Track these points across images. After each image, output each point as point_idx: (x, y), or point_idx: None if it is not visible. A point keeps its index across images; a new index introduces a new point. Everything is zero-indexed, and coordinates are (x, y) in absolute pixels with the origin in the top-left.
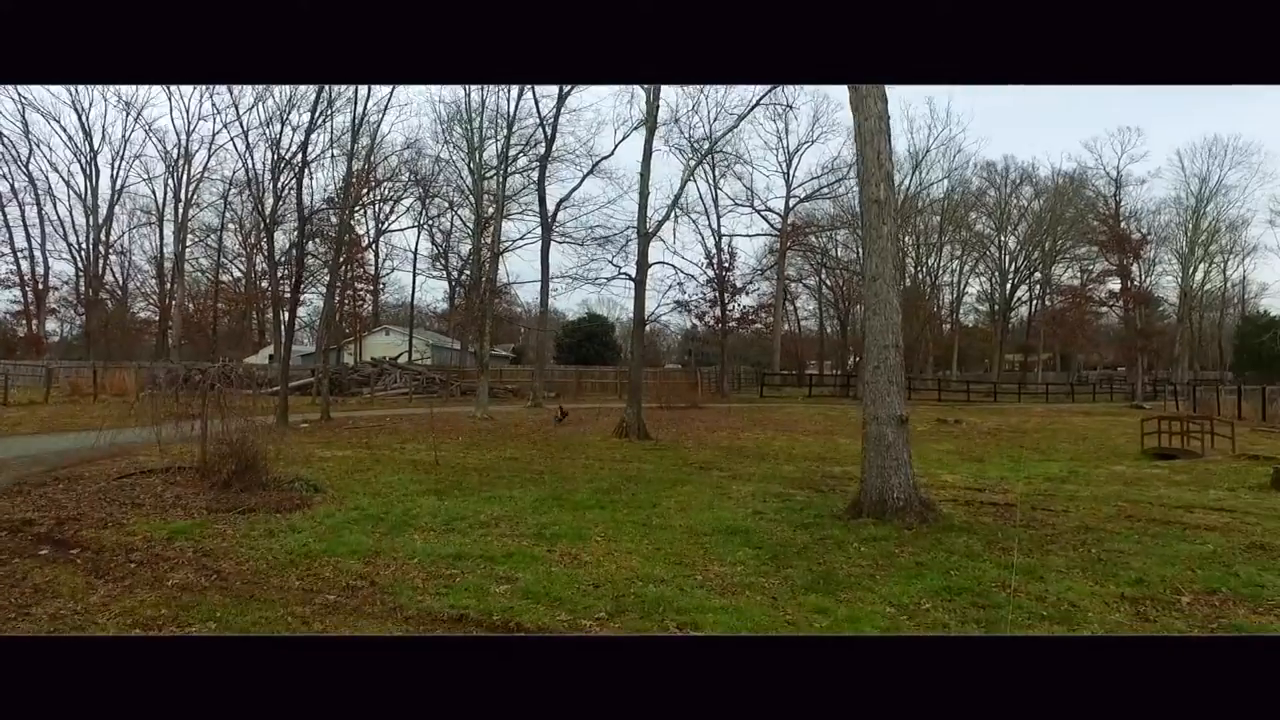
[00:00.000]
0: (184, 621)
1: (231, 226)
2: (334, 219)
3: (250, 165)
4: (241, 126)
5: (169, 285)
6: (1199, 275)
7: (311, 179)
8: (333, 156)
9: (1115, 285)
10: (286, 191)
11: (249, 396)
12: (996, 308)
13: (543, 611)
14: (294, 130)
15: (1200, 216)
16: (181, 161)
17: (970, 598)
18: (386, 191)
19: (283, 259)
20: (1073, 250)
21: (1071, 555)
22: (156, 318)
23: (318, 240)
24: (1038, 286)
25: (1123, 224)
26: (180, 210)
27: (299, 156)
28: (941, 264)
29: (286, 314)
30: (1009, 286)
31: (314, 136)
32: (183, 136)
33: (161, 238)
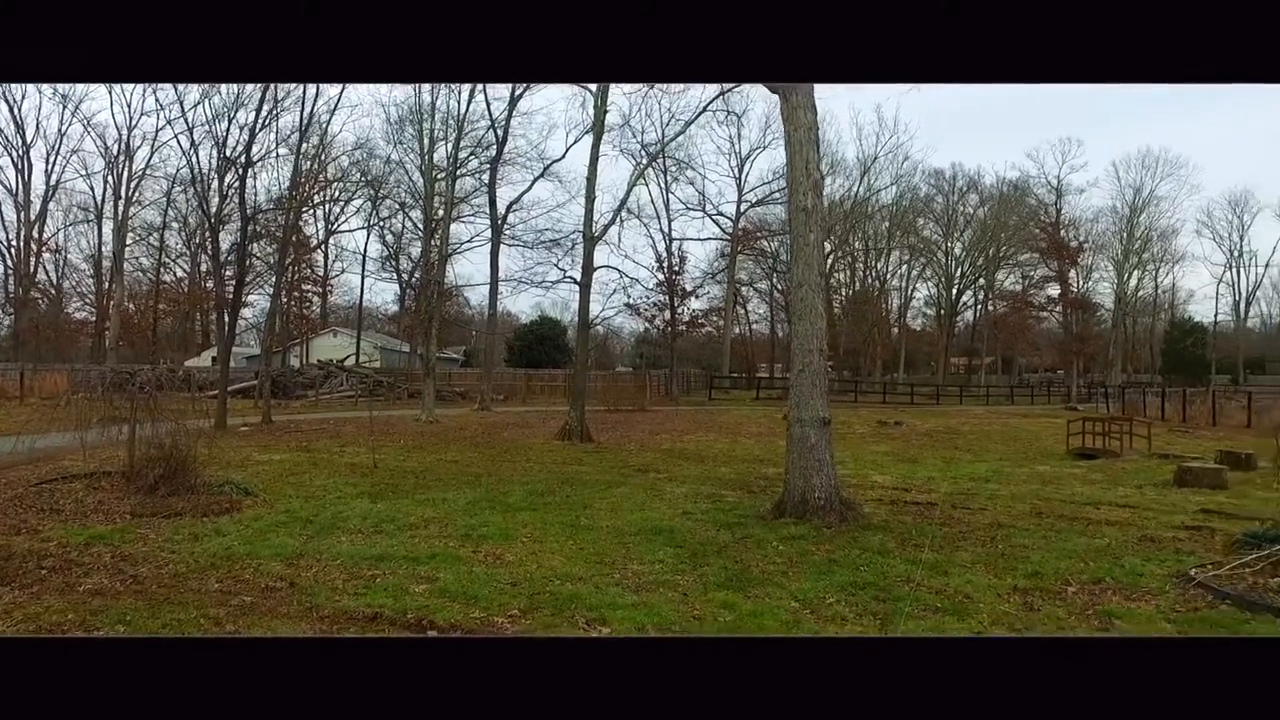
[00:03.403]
0: (91, 626)
1: (175, 225)
2: (281, 219)
3: (195, 163)
4: (186, 123)
5: (108, 285)
6: (1133, 282)
7: (255, 178)
8: (278, 156)
9: (1055, 291)
10: (232, 190)
11: (186, 399)
12: (943, 312)
13: (457, 609)
14: (241, 129)
15: (1134, 225)
16: (122, 158)
17: (873, 592)
18: (336, 192)
19: (228, 259)
20: (1015, 256)
21: (978, 551)
22: (93, 318)
23: (264, 241)
24: (982, 291)
25: (1062, 232)
26: (121, 208)
27: (244, 155)
28: (890, 268)
29: (227, 315)
30: (955, 291)
31: (261, 135)
32: (124, 132)
33: (100, 236)
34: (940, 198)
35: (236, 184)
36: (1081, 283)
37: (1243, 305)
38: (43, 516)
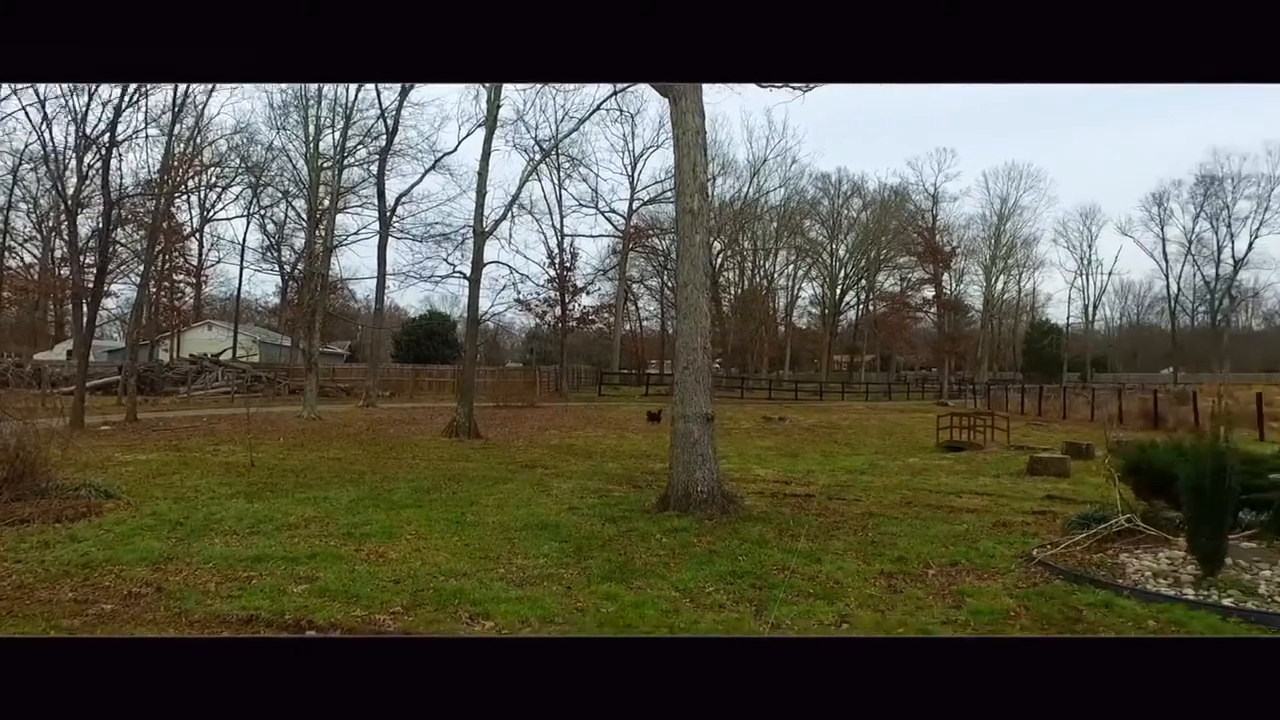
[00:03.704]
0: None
1: (24, 206)
2: (150, 204)
3: (48, 139)
4: (37, 95)
5: None
6: (999, 285)
7: (121, 160)
8: (148, 137)
9: (930, 292)
10: (93, 172)
11: (36, 396)
12: (826, 311)
13: (338, 608)
14: (104, 105)
15: (1000, 233)
16: None
17: (751, 580)
18: (213, 178)
19: (87, 245)
20: (895, 259)
21: (850, 539)
22: None
23: (129, 227)
24: (864, 292)
25: (937, 237)
26: None
27: (107, 135)
28: (777, 268)
29: (87, 306)
30: (838, 291)
31: (128, 114)
32: None
33: None
34: (826, 201)
35: (98, 165)
36: (954, 285)
37: (1090, 309)
38: None
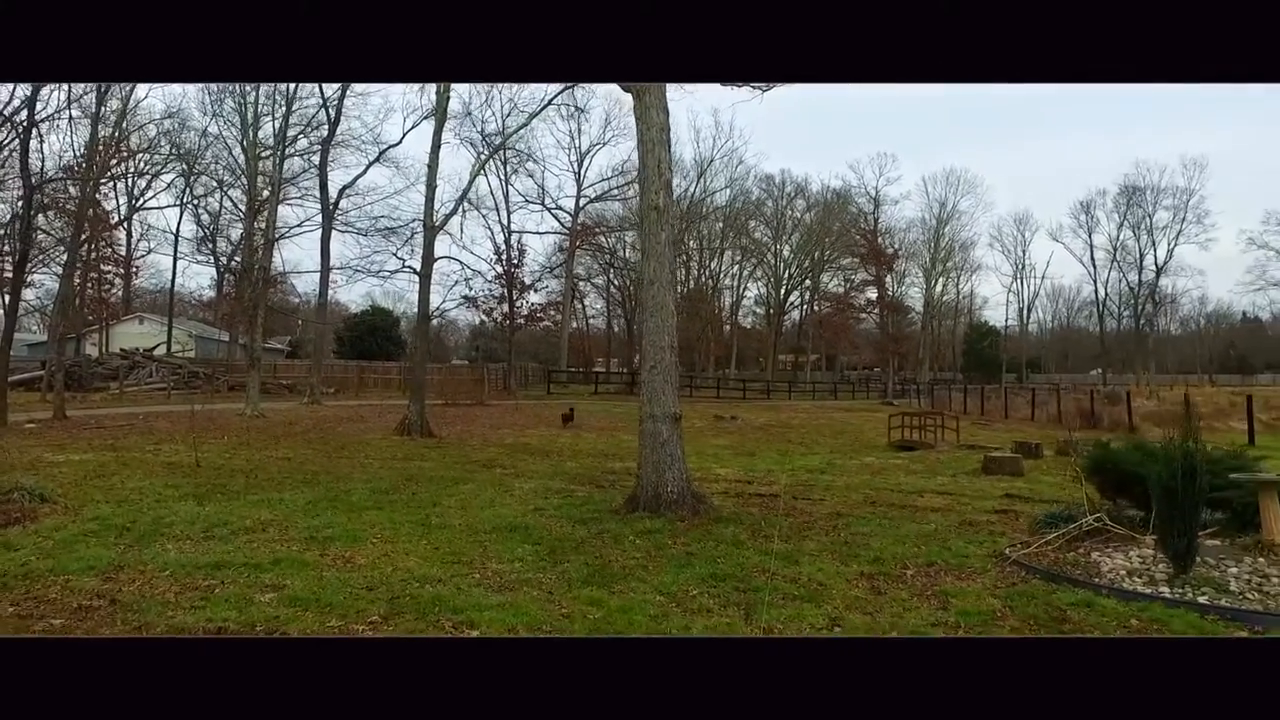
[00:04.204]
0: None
1: None
2: (74, 190)
3: None
4: None
5: None
6: (939, 287)
7: (43, 141)
8: (71, 118)
9: (873, 294)
10: (10, 154)
11: None
12: (772, 311)
13: (312, 618)
14: (15, 84)
15: (939, 236)
16: None
17: (734, 583)
18: (142, 164)
19: (5, 234)
20: (838, 261)
21: (823, 539)
22: None
23: (51, 214)
24: (808, 292)
25: (879, 239)
26: None
27: (23, 114)
28: (723, 268)
29: (8, 297)
30: (783, 291)
31: (48, 93)
32: None
33: None
34: (770, 202)
35: (15, 146)
36: (896, 287)
37: (1025, 312)
38: None
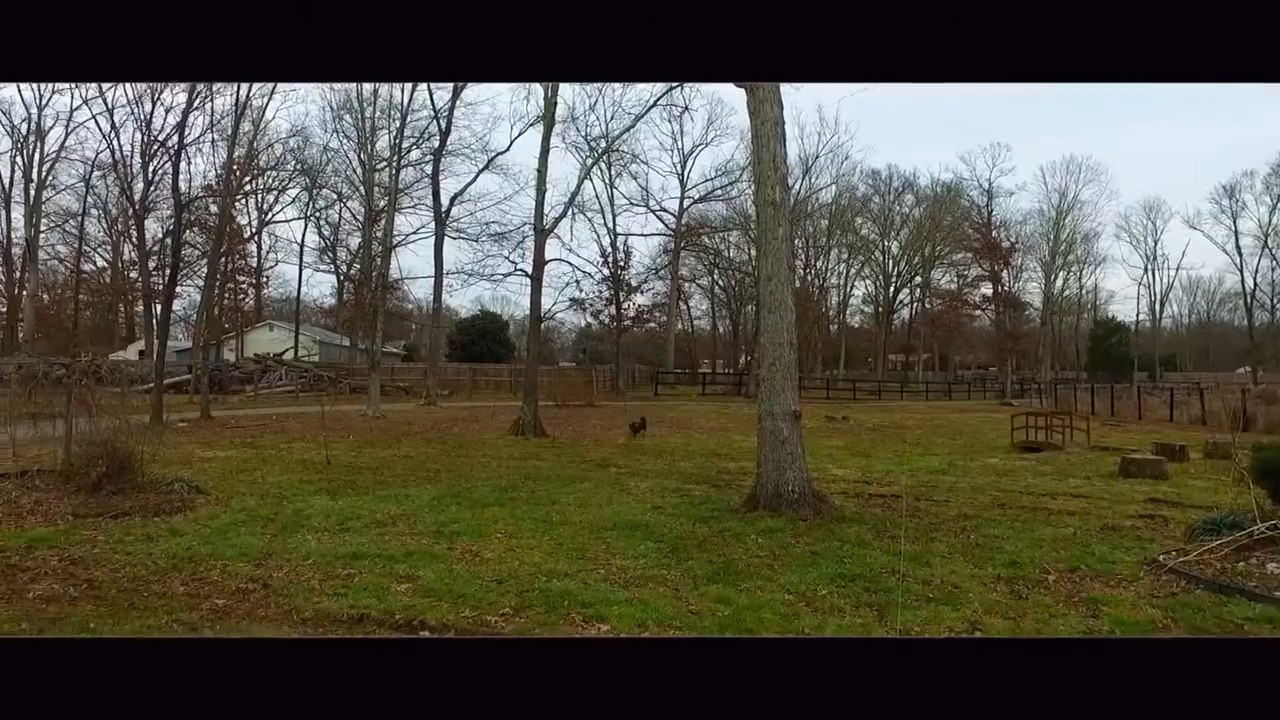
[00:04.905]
0: (51, 635)
1: (95, 212)
2: (213, 207)
3: (117, 146)
4: (105, 104)
5: (19, 274)
6: (1059, 282)
7: (190, 164)
8: (213, 141)
9: (988, 290)
10: (159, 176)
11: (119, 394)
12: (880, 310)
13: (446, 609)
14: (167, 111)
15: (1059, 228)
16: (33, 138)
17: (863, 583)
18: (270, 180)
19: (155, 248)
20: (950, 256)
21: (953, 541)
22: (2, 309)
23: (195, 229)
24: (918, 290)
25: (994, 233)
26: (33, 192)
27: (174, 139)
28: (829, 267)
29: (160, 307)
30: (892, 289)
31: (192, 119)
32: (34, 110)
33: (9, 221)
34: (877, 198)
35: (165, 169)
36: (1012, 282)
37: (1157, 306)
38: None
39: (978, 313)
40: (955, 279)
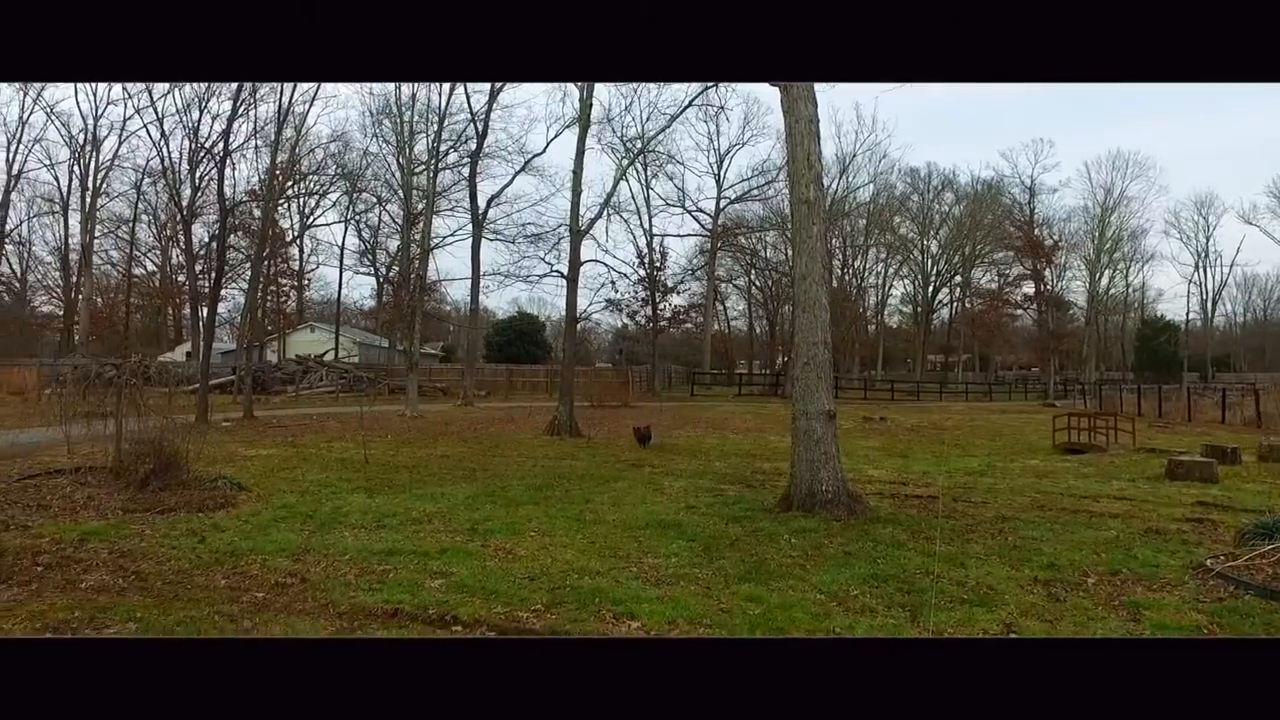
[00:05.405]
0: (101, 623)
1: (145, 218)
2: (256, 212)
3: (166, 154)
4: (156, 113)
5: (75, 278)
6: (1104, 281)
7: (234, 170)
8: (256, 147)
9: (1030, 289)
10: (206, 182)
11: (166, 394)
12: (919, 309)
13: (479, 604)
14: (214, 119)
15: (1105, 225)
16: (89, 147)
17: (896, 584)
18: (312, 185)
19: (201, 252)
20: (991, 255)
21: (990, 543)
22: (60, 312)
23: (239, 233)
24: (958, 289)
25: (1036, 231)
26: (88, 199)
27: (220, 146)
28: (867, 266)
29: (206, 309)
30: (931, 289)
31: (236, 126)
32: (90, 121)
33: (66, 228)
34: (916, 196)
35: (211, 176)
36: (1055, 281)
37: (1209, 304)
38: (30, 512)
39: (1019, 312)
40: (996, 278)
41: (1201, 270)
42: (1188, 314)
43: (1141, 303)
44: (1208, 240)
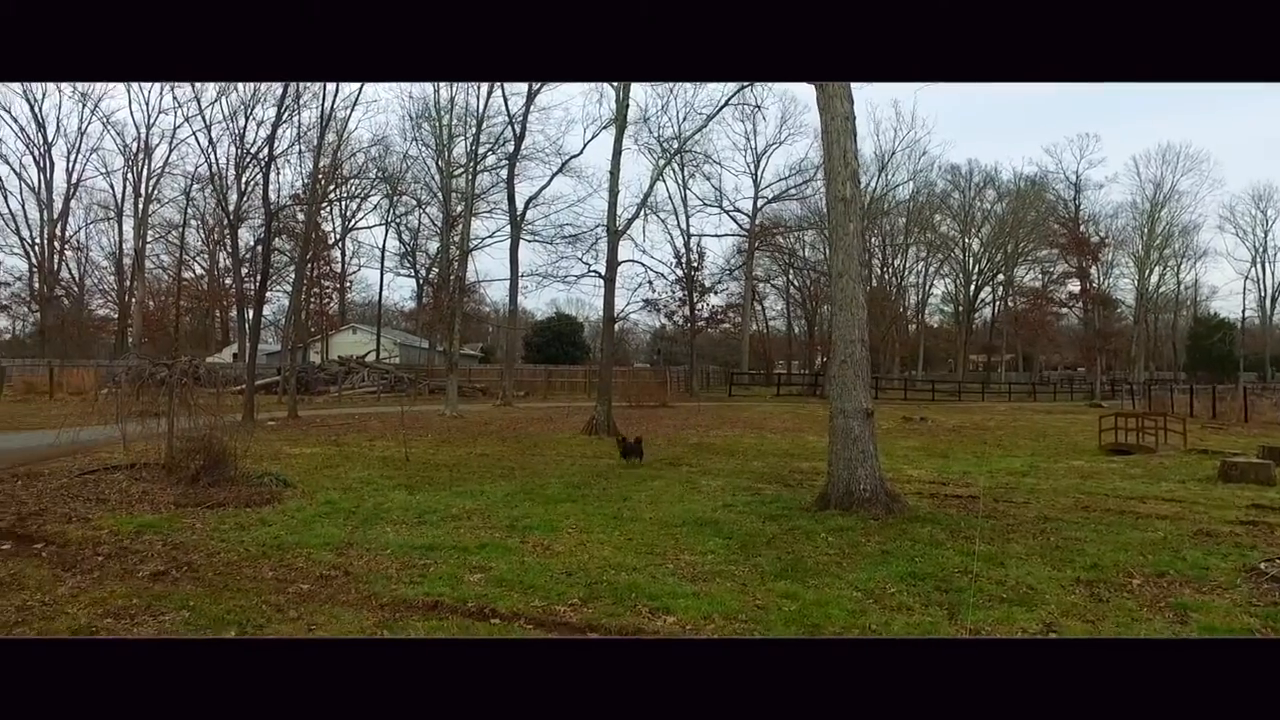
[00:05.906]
0: (157, 611)
1: (194, 223)
2: (300, 216)
3: (214, 160)
4: (204, 120)
5: (129, 282)
6: (1154, 278)
7: (279, 175)
8: (300, 152)
9: (1075, 287)
10: (251, 187)
11: (214, 394)
12: (961, 308)
13: (517, 598)
14: (259, 125)
15: (1154, 221)
16: (141, 155)
17: (934, 582)
18: (353, 188)
19: (247, 256)
20: (1034, 252)
21: (1031, 543)
22: (115, 315)
23: (283, 237)
24: (1000, 288)
25: (1082, 227)
26: (140, 205)
27: (265, 152)
28: (907, 265)
29: (251, 311)
30: (973, 288)
31: (280, 132)
32: (142, 130)
33: (120, 234)
34: (957, 194)
35: (256, 180)
36: (1102, 279)
37: (1268, 301)
38: (90, 506)
39: (1064, 311)
40: (1040, 276)
41: (1259, 266)
42: (1244, 311)
43: (1194, 300)
44: (1266, 235)
